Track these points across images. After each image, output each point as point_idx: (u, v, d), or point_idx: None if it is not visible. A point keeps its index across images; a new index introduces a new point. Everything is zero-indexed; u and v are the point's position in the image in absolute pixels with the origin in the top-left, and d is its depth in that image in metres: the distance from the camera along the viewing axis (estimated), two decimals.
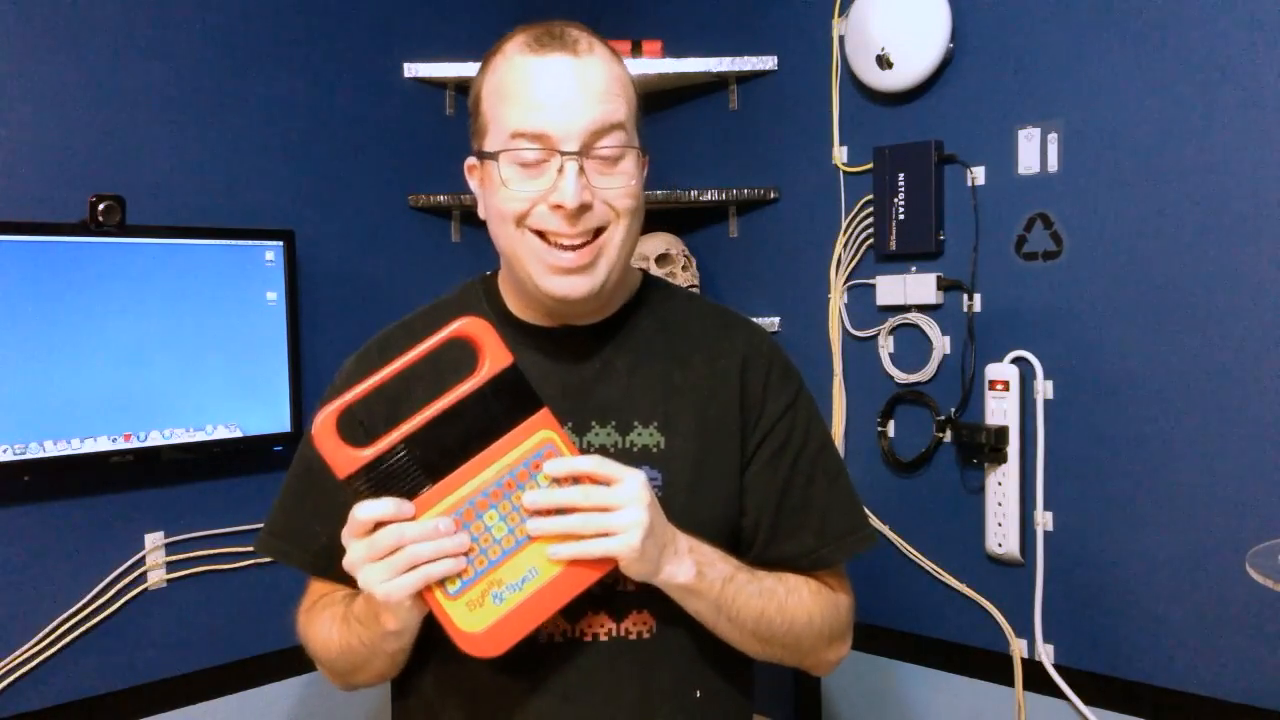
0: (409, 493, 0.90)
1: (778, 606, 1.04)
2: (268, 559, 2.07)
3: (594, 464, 0.94)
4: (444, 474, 0.92)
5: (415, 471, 0.91)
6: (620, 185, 1.00)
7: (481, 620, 0.91)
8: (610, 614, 1.03)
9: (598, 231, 1.00)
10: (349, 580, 0.92)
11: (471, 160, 1.07)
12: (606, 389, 1.07)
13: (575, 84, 0.98)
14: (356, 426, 1.08)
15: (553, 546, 0.93)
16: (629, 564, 0.94)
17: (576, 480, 0.94)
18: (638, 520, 0.92)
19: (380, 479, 0.90)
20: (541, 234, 1.00)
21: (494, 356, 0.93)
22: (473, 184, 1.08)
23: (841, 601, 1.11)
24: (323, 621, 1.07)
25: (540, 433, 0.94)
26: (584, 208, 0.98)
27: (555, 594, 0.94)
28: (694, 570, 0.98)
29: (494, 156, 1.00)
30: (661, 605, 1.02)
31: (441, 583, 0.90)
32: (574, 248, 0.99)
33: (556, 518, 0.93)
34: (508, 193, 0.99)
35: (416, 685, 1.08)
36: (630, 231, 1.03)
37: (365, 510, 0.89)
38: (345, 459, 0.89)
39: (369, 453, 0.90)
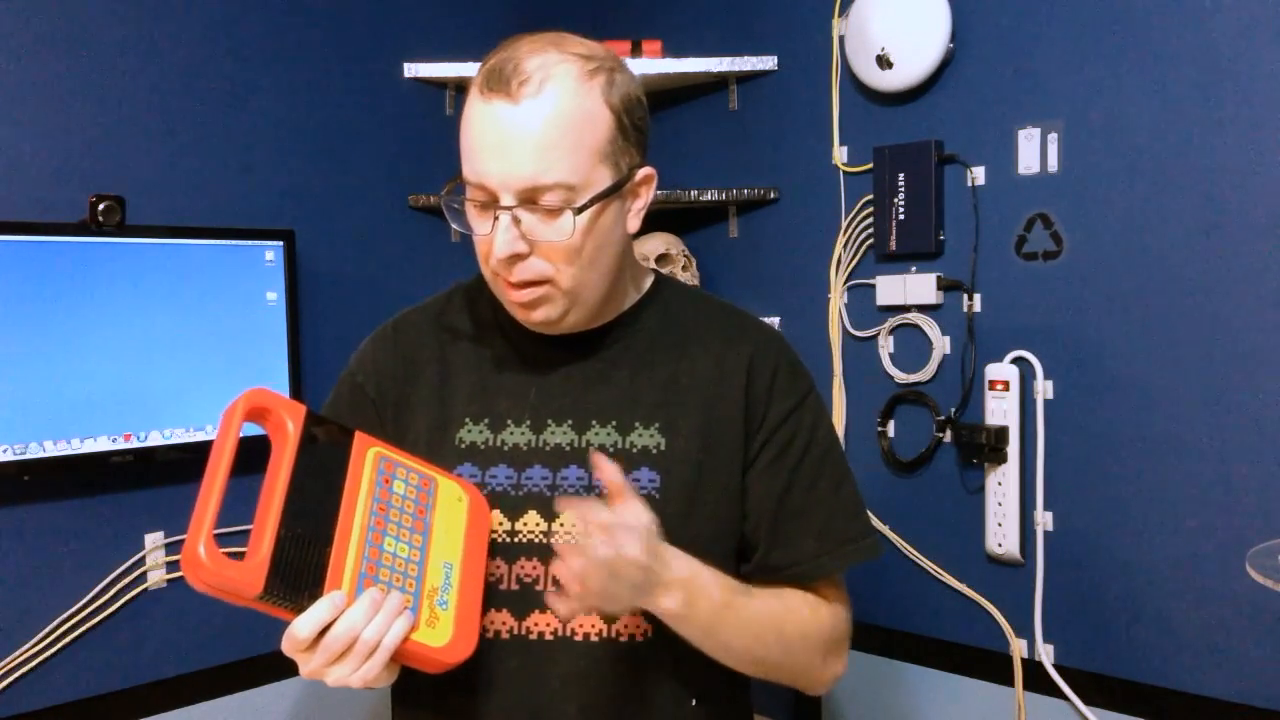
0: (317, 569, 0.87)
1: (776, 631, 1.01)
2: None
3: (602, 517, 0.89)
4: (331, 534, 0.89)
5: (311, 544, 0.87)
6: (558, 237, 0.96)
7: (444, 630, 0.92)
8: (600, 614, 1.01)
9: (541, 277, 0.99)
10: None
11: None
12: (607, 389, 1.06)
13: (511, 136, 0.94)
14: (368, 406, 1.09)
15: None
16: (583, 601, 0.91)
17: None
18: (594, 579, 0.88)
19: (288, 572, 0.85)
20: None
21: (290, 412, 0.91)
22: None
23: (839, 615, 1.09)
24: None
25: (369, 452, 0.96)
26: (517, 257, 0.97)
27: (475, 566, 0.97)
28: (681, 601, 0.94)
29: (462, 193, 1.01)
30: None
31: None
32: (520, 286, 0.99)
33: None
34: (471, 232, 1.01)
35: (415, 683, 1.08)
36: (585, 270, 1.00)
37: (305, 627, 0.85)
38: (247, 575, 0.83)
39: (265, 551, 0.84)
